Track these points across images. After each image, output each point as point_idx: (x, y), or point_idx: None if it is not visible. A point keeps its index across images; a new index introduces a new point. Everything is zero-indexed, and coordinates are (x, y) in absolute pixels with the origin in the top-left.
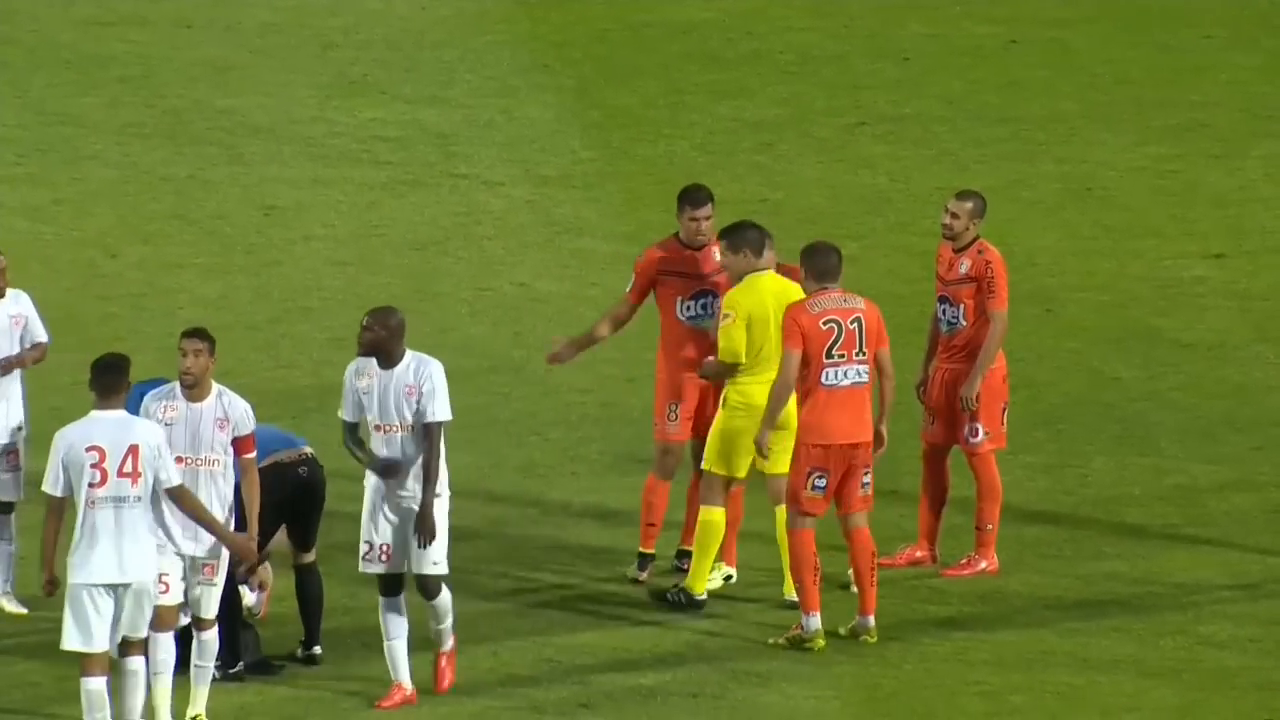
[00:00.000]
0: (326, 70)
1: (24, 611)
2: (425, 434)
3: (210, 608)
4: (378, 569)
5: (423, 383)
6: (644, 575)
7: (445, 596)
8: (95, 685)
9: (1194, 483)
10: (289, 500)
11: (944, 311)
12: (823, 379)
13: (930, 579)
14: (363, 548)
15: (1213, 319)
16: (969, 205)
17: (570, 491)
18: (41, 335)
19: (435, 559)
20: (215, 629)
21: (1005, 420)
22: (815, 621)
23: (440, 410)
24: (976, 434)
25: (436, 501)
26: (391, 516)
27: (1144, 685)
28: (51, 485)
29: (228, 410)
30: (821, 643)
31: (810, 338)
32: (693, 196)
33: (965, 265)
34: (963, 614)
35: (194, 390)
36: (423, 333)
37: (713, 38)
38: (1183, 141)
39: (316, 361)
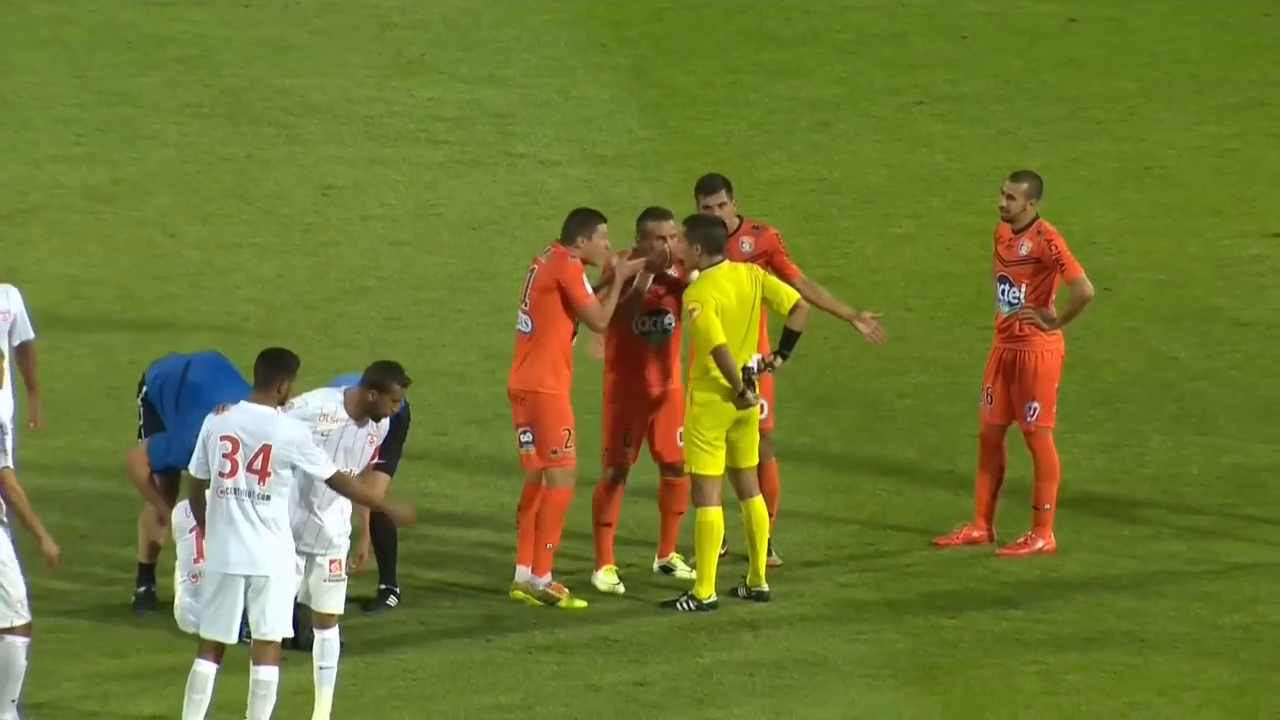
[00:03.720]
0: (384, 50)
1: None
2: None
3: (337, 603)
4: None
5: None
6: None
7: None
8: (202, 668)
9: (1252, 462)
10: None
11: (1004, 292)
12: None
13: (987, 558)
14: None
15: (1271, 298)
16: (1024, 186)
17: None
18: (29, 333)
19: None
20: (337, 628)
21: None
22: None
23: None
24: (1034, 413)
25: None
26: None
27: (1201, 664)
28: (193, 466)
29: (380, 429)
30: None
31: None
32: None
33: (1026, 247)
34: (1019, 593)
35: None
36: (480, 312)
37: (770, 17)
38: (1242, 120)
39: (373, 341)
